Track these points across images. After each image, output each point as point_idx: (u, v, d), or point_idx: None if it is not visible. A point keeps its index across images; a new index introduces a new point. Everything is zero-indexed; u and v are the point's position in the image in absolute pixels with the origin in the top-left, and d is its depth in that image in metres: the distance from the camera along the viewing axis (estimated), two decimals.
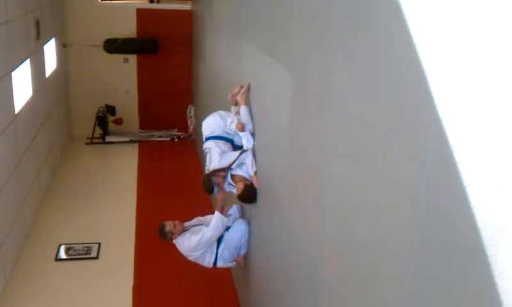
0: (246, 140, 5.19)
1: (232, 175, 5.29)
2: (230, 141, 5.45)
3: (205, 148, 5.48)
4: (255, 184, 5.15)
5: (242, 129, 5.25)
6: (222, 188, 5.44)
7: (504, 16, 1.58)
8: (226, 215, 5.62)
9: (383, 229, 2.42)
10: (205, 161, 5.47)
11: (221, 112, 5.66)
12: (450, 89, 1.86)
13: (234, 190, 5.32)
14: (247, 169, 5.24)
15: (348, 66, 2.83)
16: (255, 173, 5.14)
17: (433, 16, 1.98)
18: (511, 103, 1.55)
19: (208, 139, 5.48)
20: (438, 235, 1.95)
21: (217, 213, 5.46)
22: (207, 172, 5.38)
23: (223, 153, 5.28)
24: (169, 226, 5.46)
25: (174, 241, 5.52)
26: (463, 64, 1.79)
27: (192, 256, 5.55)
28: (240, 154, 5.21)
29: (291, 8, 3.94)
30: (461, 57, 1.80)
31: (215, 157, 5.26)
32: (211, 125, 5.51)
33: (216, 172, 5.25)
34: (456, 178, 1.81)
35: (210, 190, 5.39)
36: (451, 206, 1.86)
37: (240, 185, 5.18)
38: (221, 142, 5.38)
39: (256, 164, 5.15)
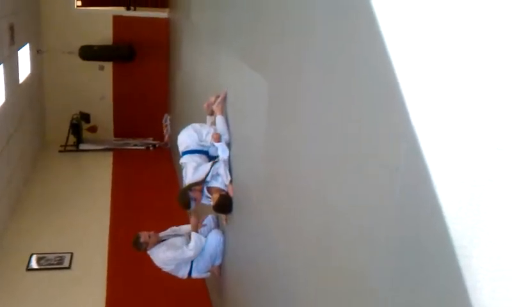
0: (221, 150, 5.17)
1: (208, 188, 5.27)
2: (205, 153, 5.42)
3: (182, 163, 5.49)
4: (231, 193, 5.13)
5: (219, 139, 5.22)
6: (198, 204, 5.43)
7: (471, 24, 1.60)
8: (202, 225, 5.64)
9: (357, 238, 2.43)
10: (182, 176, 5.48)
11: (195, 125, 5.63)
12: (423, 97, 1.88)
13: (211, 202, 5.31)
14: (222, 179, 5.22)
15: (322, 75, 2.85)
16: (230, 181, 5.13)
17: (404, 24, 2.00)
18: (483, 112, 1.57)
19: (184, 153, 5.47)
20: (411, 244, 1.96)
21: (195, 234, 5.50)
22: (183, 186, 5.37)
23: (197, 166, 5.27)
24: (143, 236, 5.41)
25: (148, 252, 5.46)
26: (434, 71, 1.81)
27: (167, 268, 5.51)
28: (212, 165, 5.19)
29: (267, 17, 3.96)
30: (431, 64, 1.83)
31: (189, 171, 5.26)
32: (186, 139, 5.49)
33: (192, 186, 5.23)
34: (428, 189, 1.83)
35: (187, 206, 5.36)
36: (423, 216, 1.87)
37: (216, 195, 5.17)
38: (196, 156, 5.36)
39: (231, 173, 5.14)
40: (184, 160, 5.44)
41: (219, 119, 5.35)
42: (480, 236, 1.57)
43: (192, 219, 5.67)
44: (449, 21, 1.75)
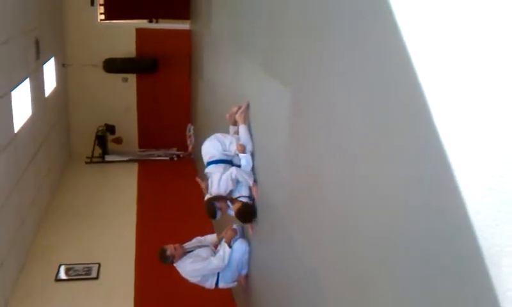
0: (245, 161, 5.19)
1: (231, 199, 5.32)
2: (229, 162, 5.45)
3: (207, 173, 5.53)
4: (255, 194, 5.15)
5: (243, 150, 5.24)
6: (223, 214, 5.48)
7: (492, 29, 1.60)
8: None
9: (384, 242, 2.42)
10: (207, 185, 5.51)
11: (218, 135, 5.65)
12: (447, 98, 1.88)
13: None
14: (245, 186, 5.26)
15: (345, 82, 2.85)
16: (255, 183, 5.14)
17: (427, 29, 2.00)
18: (504, 105, 1.56)
19: (209, 164, 5.51)
20: (438, 253, 1.94)
21: (227, 247, 5.52)
22: (209, 196, 5.40)
23: (221, 176, 5.31)
24: (170, 249, 5.44)
25: (175, 264, 5.50)
26: (456, 66, 1.81)
27: (194, 279, 5.54)
28: (229, 177, 5.22)
29: (288, 26, 3.97)
30: (453, 65, 1.82)
31: (215, 181, 5.32)
32: (210, 149, 5.53)
33: (218, 197, 5.28)
34: (456, 198, 1.82)
35: (213, 215, 5.42)
36: (452, 224, 1.86)
37: (237, 204, 5.19)
38: (221, 166, 5.39)
39: (255, 180, 5.16)
40: (209, 170, 5.48)
41: (242, 128, 5.37)
42: (510, 245, 1.56)
43: (230, 232, 5.68)
44: (465, 21, 1.75)
